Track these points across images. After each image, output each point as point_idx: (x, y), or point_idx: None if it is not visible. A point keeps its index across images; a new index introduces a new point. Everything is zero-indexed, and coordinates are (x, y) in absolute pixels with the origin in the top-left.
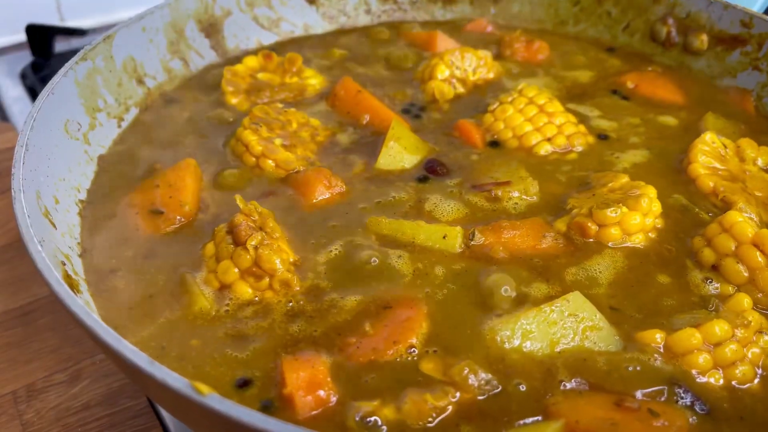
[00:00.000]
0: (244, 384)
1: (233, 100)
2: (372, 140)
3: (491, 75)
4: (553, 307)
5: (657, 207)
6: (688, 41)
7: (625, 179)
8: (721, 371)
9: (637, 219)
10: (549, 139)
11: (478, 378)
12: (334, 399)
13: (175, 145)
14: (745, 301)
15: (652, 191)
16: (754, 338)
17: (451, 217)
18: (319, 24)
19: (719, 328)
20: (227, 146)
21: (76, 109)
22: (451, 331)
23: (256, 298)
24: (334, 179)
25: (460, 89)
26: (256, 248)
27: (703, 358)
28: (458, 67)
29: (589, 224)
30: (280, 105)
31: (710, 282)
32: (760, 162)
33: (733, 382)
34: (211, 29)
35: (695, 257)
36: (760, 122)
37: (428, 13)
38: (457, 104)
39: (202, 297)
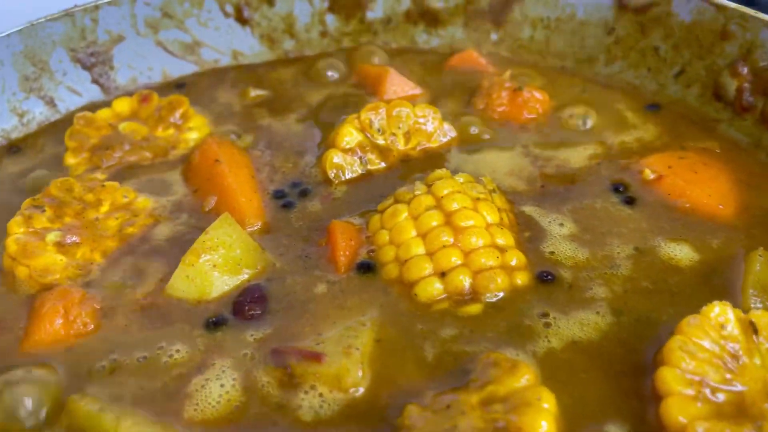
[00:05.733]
0: None
1: (71, 160)
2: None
3: (435, 143)
4: None
5: None
6: None
7: (524, 377)
8: None
9: None
10: (443, 274)
11: None
12: None
13: None
14: None
15: (541, 421)
16: None
17: (215, 413)
18: (254, 49)
19: None
20: None
21: None
22: None
23: None
24: (80, 310)
25: (377, 164)
26: None
27: None
28: (381, 129)
29: None
30: (101, 177)
31: None
32: None
33: None
34: (94, 59)
35: None
36: None
37: (406, 37)
38: (361, 188)
39: None
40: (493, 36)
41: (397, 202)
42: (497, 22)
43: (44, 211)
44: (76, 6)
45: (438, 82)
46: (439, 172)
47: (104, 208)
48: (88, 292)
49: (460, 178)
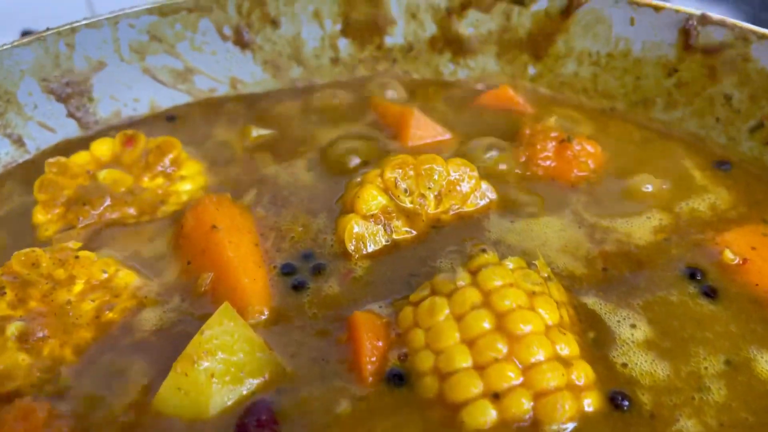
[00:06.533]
0: None
1: (40, 217)
2: (198, 327)
3: (471, 207)
4: None
5: None
6: None
7: None
8: None
9: None
10: (496, 396)
11: None
12: None
13: None
14: None
15: None
16: None
17: None
18: (256, 77)
19: None
20: None
21: None
22: None
23: None
24: None
25: (404, 232)
26: None
27: None
28: (408, 190)
29: None
30: (74, 246)
31: None
32: None
33: None
34: (70, 89)
35: None
36: None
37: (429, 67)
38: (386, 264)
39: None
40: (531, 70)
41: (434, 293)
42: (536, 54)
43: (4, 293)
44: (48, 29)
45: (467, 123)
46: (485, 256)
47: (78, 287)
48: (56, 408)
49: (510, 263)
